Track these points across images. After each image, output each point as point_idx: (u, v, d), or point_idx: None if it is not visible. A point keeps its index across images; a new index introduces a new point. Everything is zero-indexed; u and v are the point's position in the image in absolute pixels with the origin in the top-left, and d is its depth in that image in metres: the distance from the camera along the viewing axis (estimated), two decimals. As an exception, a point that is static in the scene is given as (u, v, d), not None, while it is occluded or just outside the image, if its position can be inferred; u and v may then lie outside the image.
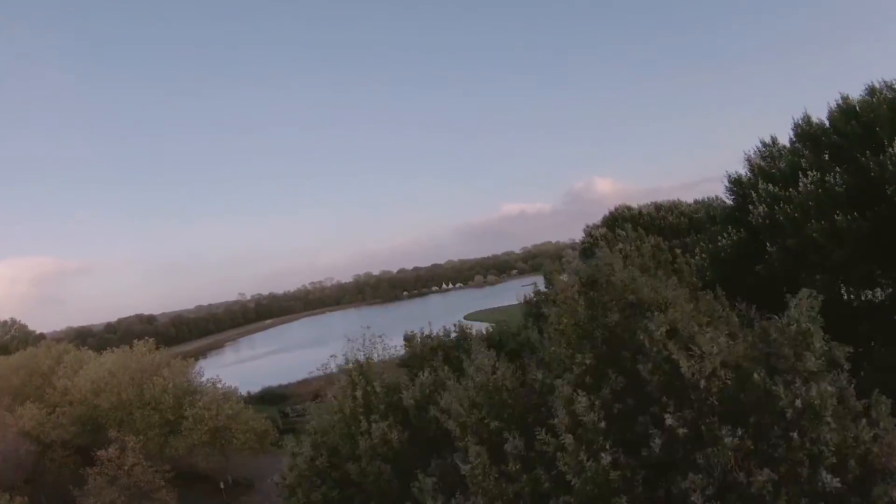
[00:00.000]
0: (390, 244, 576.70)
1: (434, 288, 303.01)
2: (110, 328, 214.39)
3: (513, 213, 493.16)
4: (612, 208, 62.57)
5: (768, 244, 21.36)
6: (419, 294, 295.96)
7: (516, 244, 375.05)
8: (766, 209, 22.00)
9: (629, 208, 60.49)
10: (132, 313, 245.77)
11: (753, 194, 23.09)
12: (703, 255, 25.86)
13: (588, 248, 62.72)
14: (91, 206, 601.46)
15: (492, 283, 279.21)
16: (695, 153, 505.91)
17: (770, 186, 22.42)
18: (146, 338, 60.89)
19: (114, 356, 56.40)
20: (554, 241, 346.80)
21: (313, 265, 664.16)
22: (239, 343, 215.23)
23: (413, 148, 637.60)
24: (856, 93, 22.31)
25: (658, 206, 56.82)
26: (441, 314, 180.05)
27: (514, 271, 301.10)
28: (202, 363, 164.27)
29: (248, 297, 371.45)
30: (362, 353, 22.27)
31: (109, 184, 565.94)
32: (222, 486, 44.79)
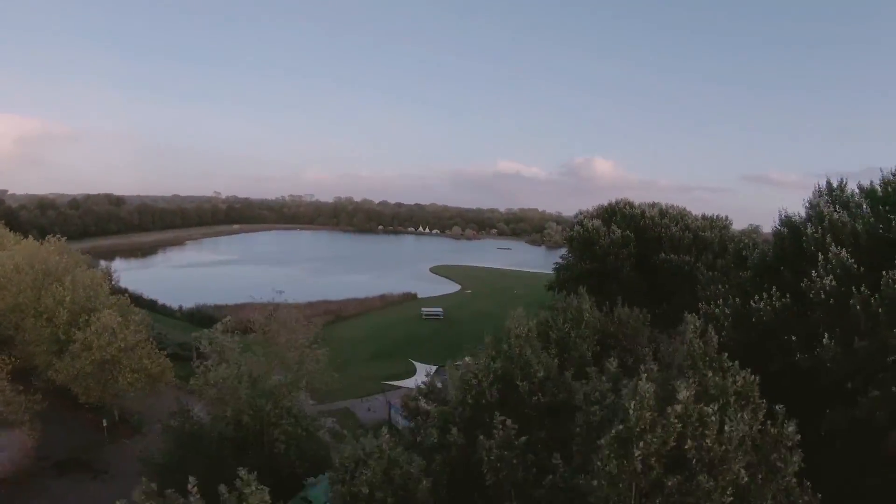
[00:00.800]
0: (380, 174, 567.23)
1: (410, 229, 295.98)
2: (74, 203, 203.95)
3: (507, 172, 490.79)
4: (613, 200, 57.87)
5: (826, 334, 15.31)
6: (394, 231, 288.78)
7: (503, 204, 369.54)
8: (833, 285, 15.85)
9: (631, 205, 54.90)
10: (105, 191, 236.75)
11: (819, 257, 16.85)
12: (726, 309, 19.95)
13: (577, 238, 58.07)
14: (85, 73, 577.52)
15: (469, 238, 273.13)
16: (695, 160, 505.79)
17: (844, 254, 16.25)
18: (57, 236, 54.28)
19: (25, 249, 49.66)
20: (541, 209, 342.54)
21: (298, 178, 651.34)
22: (201, 243, 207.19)
23: (422, 81, 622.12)
24: None
25: (663, 213, 50.96)
26: (409, 259, 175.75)
27: (494, 230, 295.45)
28: (156, 257, 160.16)
29: (224, 198, 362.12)
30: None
31: (107, 53, 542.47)
32: (104, 425, 39.33)
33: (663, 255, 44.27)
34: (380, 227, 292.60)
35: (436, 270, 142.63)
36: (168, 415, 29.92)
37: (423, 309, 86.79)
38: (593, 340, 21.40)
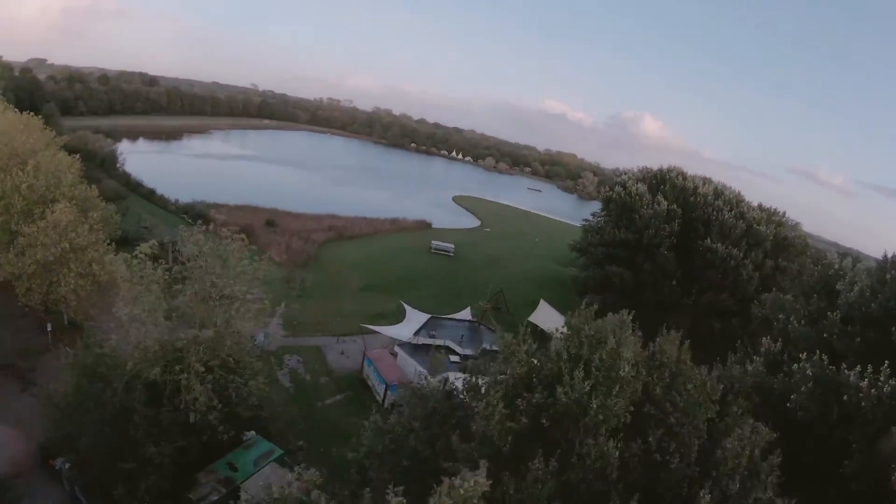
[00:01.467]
0: (425, 92, 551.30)
1: (443, 152, 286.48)
2: (103, 79, 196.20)
3: (553, 111, 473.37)
4: (664, 167, 50.28)
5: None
6: (426, 151, 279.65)
7: (542, 143, 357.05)
8: None
9: (683, 176, 46.65)
10: (143, 70, 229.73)
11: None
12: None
13: (616, 200, 50.88)
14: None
15: (500, 171, 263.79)
16: (745, 140, 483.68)
17: None
18: (31, 113, 48.81)
19: (4, 123, 44.50)
20: (580, 156, 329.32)
21: (341, 84, 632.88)
22: (229, 134, 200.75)
23: (484, 4, 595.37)
24: None
25: (718, 192, 42.28)
26: (435, 182, 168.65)
27: (528, 169, 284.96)
28: (177, 143, 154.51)
29: (260, 91, 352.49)
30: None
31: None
32: (49, 329, 35.05)
33: (709, 241, 37.59)
34: (413, 144, 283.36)
35: (458, 200, 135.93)
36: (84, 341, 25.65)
37: (433, 242, 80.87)
38: (625, 410, 15.36)
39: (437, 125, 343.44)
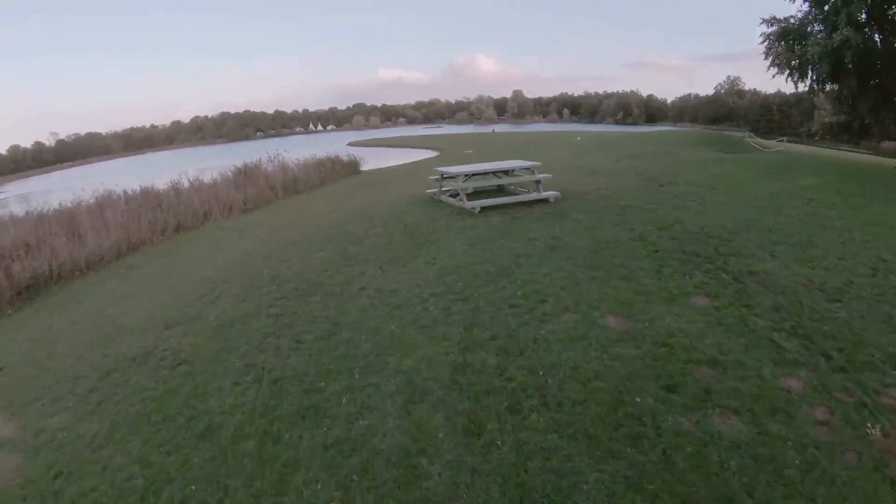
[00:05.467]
0: (257, 101, 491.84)
1: (298, 129, 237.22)
2: None
3: (388, 79, 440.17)
4: None
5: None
6: (277, 134, 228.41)
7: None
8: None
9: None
10: None
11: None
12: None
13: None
14: None
15: (375, 126, 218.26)
16: (577, 51, 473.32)
17: None
18: None
19: None
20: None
21: (172, 117, 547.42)
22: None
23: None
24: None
25: None
26: (316, 144, 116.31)
27: (402, 119, 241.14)
28: None
29: (63, 137, 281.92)
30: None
31: None
32: None
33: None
34: (258, 132, 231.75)
35: (357, 144, 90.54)
36: None
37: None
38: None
39: (278, 112, 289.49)
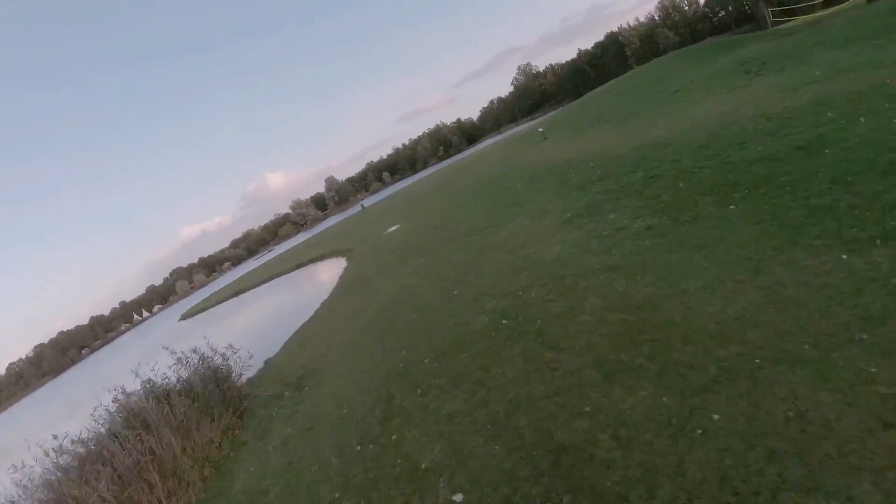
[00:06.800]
0: (75, 312, 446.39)
1: (124, 326, 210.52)
2: None
3: (194, 235, 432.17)
4: None
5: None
6: (105, 343, 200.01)
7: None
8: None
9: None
10: None
11: None
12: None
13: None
14: None
15: (203, 284, 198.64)
16: (350, 129, 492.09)
17: None
18: None
19: None
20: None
21: None
22: None
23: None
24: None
25: None
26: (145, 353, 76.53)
27: (227, 263, 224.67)
28: None
29: None
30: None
31: None
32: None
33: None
34: (84, 349, 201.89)
35: (192, 313, 72.52)
36: None
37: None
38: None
39: (94, 317, 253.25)
